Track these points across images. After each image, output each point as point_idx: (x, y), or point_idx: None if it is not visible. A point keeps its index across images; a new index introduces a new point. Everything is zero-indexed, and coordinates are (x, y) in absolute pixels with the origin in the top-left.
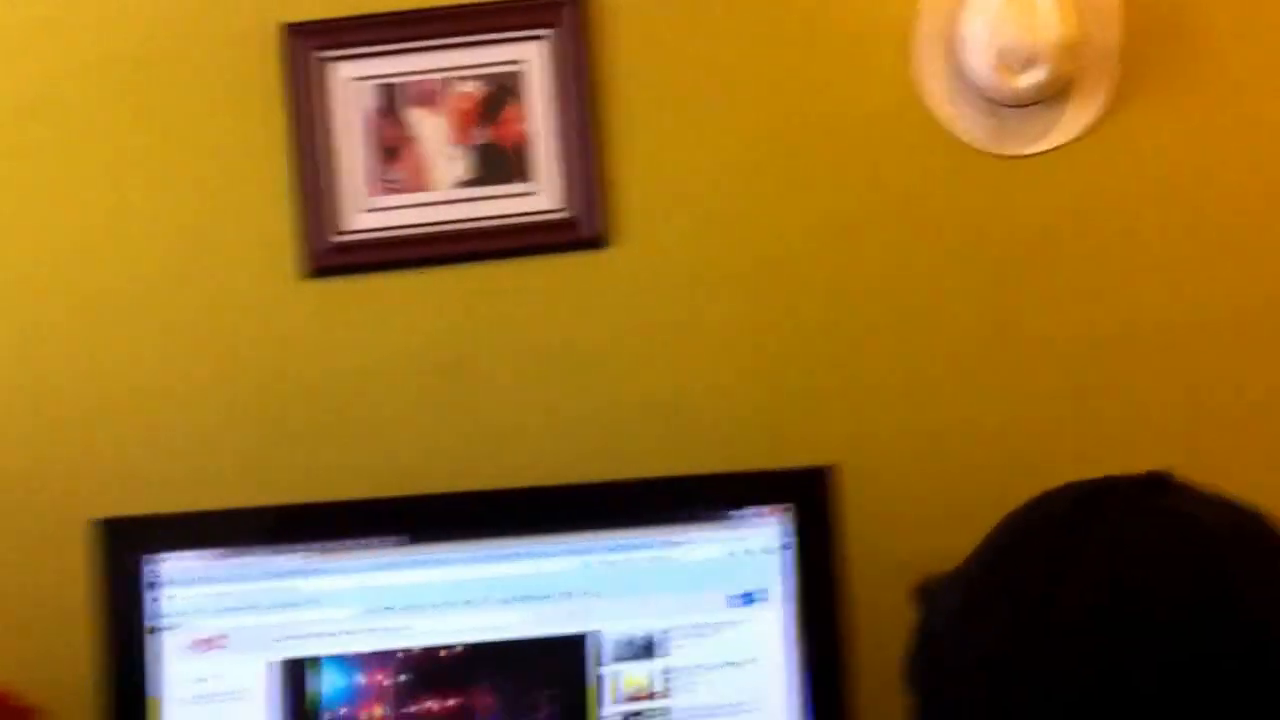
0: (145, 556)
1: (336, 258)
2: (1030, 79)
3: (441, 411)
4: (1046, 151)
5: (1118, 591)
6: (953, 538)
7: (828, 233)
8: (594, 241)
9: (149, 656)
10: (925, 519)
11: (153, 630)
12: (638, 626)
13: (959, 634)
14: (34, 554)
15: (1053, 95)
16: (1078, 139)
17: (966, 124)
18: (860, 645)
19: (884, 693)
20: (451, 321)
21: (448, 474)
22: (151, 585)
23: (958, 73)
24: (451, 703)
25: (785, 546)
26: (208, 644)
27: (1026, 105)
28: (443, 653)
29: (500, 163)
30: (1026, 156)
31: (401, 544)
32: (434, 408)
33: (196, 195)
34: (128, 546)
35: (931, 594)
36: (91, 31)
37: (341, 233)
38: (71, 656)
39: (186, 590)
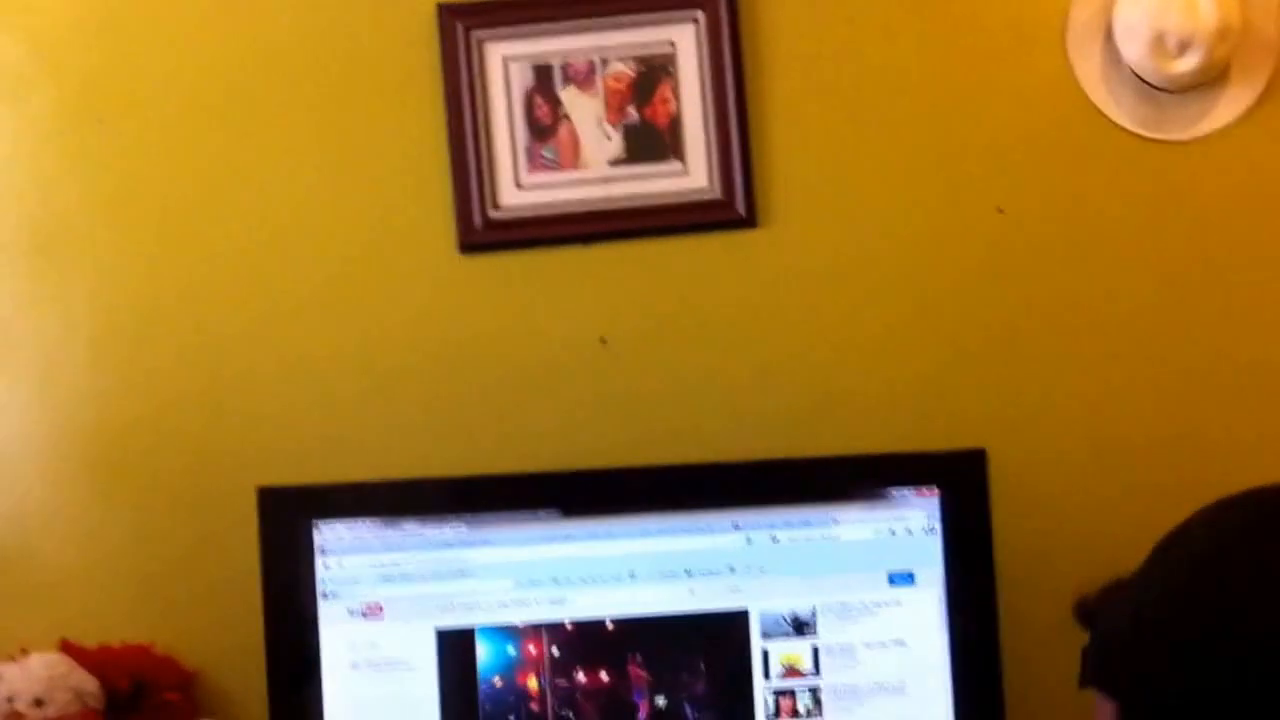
0: (313, 524)
1: (491, 234)
2: (1187, 64)
3: (594, 387)
4: (1203, 137)
5: None
6: (1099, 526)
7: (981, 217)
8: (744, 221)
9: (316, 623)
10: (1073, 506)
11: (320, 597)
12: (794, 604)
13: (1173, 642)
14: (203, 521)
15: (1209, 80)
16: (1234, 124)
17: (1122, 109)
18: (1010, 628)
19: (1033, 676)
20: (603, 298)
21: (599, 449)
22: (318, 553)
23: (1113, 57)
24: (606, 676)
25: (938, 528)
26: (370, 612)
27: (1183, 90)
28: (599, 626)
29: (652, 142)
30: (1183, 142)
31: (555, 518)
32: (586, 383)
33: (358, 174)
34: (294, 514)
35: (1112, 603)
36: (256, 21)
37: (497, 210)
38: (239, 622)
39: (349, 559)
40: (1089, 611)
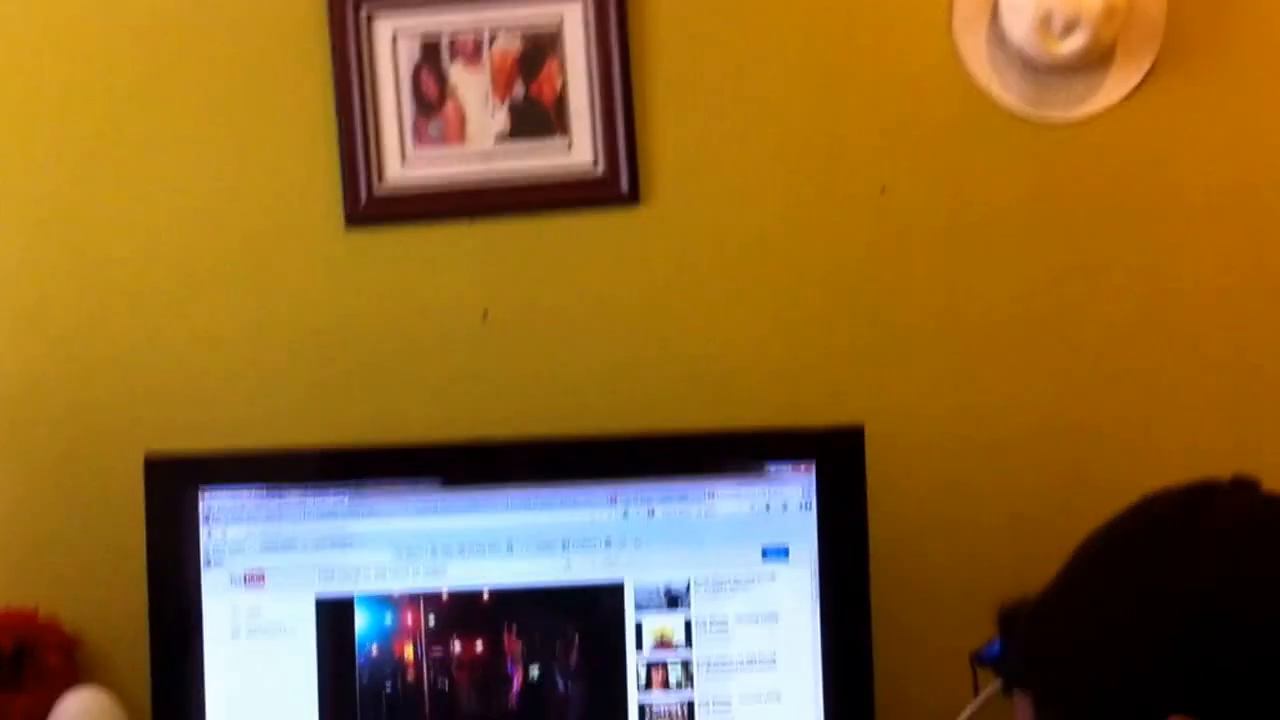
0: (198, 492)
1: (377, 209)
2: (1073, 44)
3: (476, 361)
4: (1088, 117)
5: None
6: (973, 508)
7: (862, 195)
8: (628, 198)
9: (199, 590)
10: (948, 487)
11: (203, 565)
12: (669, 577)
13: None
14: (87, 488)
15: (1095, 61)
16: (1120, 105)
17: (1006, 88)
18: (881, 605)
19: (903, 653)
20: (487, 273)
21: (482, 422)
22: (202, 521)
23: (999, 37)
24: (481, 646)
25: (813, 503)
26: (252, 579)
27: (1068, 71)
28: (475, 596)
29: (538, 118)
30: (1068, 122)
31: (436, 488)
32: (469, 357)
33: (243, 147)
34: (179, 482)
35: (1035, 609)
36: None
37: (382, 185)
38: (122, 589)
39: (232, 527)
40: (1007, 616)
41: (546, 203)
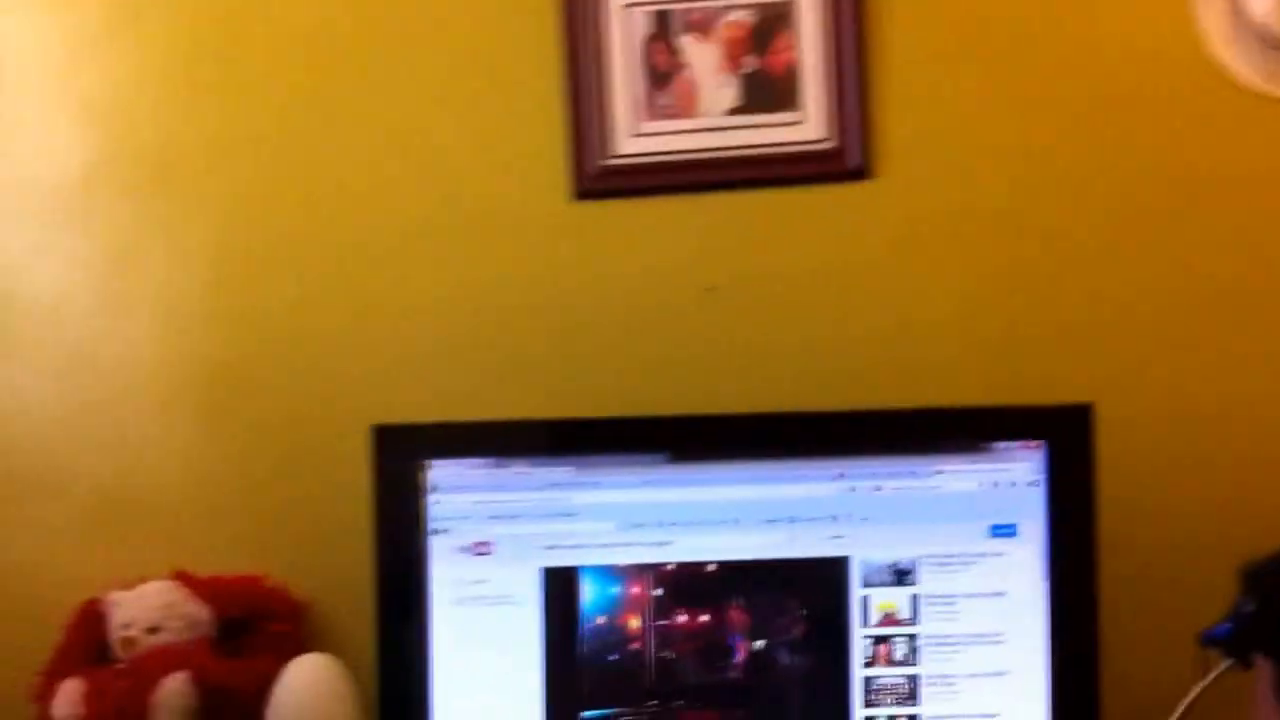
0: (425, 462)
1: (606, 181)
2: None
3: (702, 334)
4: None
5: None
6: (1204, 488)
7: (1096, 173)
8: (857, 173)
9: (425, 558)
10: (1177, 467)
11: (429, 534)
12: (895, 553)
13: None
14: (314, 456)
15: None
16: None
17: (1245, 63)
18: (1109, 584)
19: (1131, 631)
20: (714, 247)
21: (706, 396)
22: (428, 491)
23: (1238, 11)
24: (707, 618)
25: (1041, 481)
26: (478, 549)
27: None
28: (701, 569)
29: (768, 91)
30: None
31: (661, 462)
32: (695, 331)
33: (474, 120)
34: (406, 452)
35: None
36: None
37: (611, 157)
38: (348, 556)
39: (457, 497)
40: (1253, 574)
41: (776, 177)
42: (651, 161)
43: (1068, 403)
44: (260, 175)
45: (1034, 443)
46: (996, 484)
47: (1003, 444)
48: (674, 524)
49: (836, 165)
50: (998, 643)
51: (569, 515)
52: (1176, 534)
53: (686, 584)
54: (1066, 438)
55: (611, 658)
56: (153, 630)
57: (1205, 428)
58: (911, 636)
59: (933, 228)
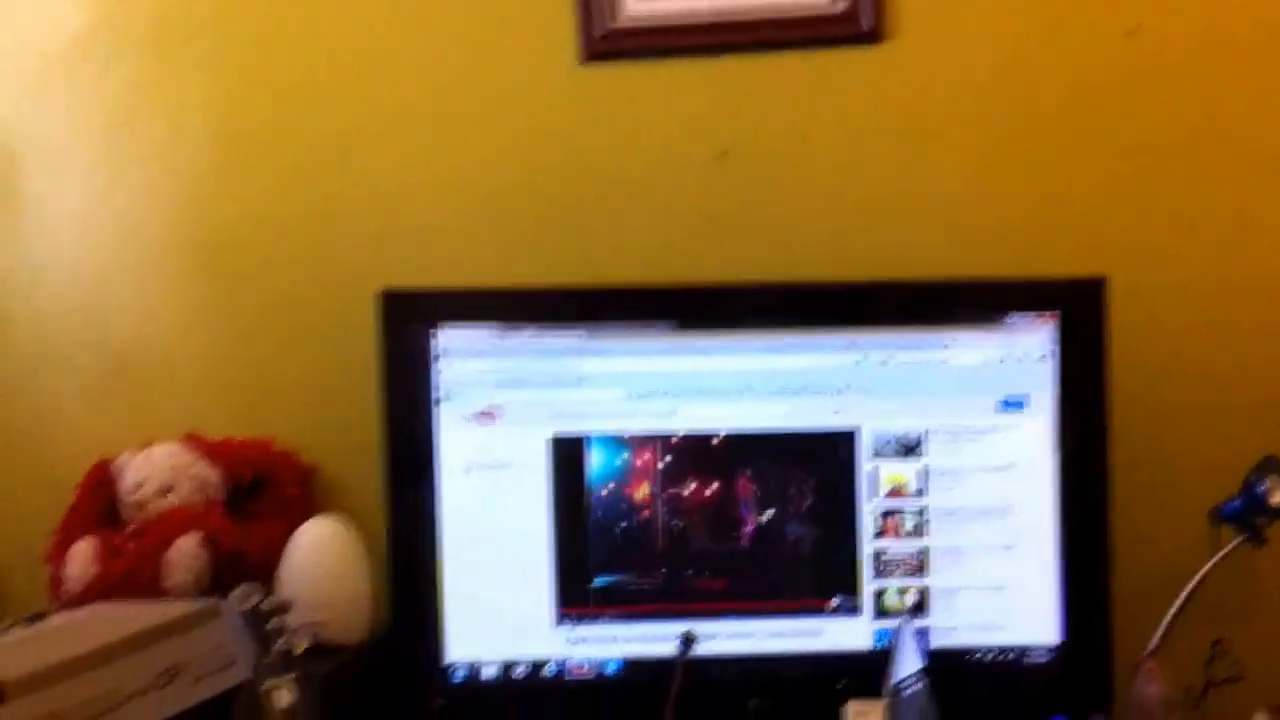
0: (433, 328)
1: (615, 44)
2: None
3: (711, 201)
4: None
5: None
6: (1216, 361)
7: (1116, 37)
8: (871, 35)
9: (433, 425)
10: (1191, 340)
11: (437, 400)
12: (904, 425)
13: None
14: (322, 321)
15: None
16: None
17: None
18: (1121, 458)
19: (1141, 504)
20: (724, 111)
21: (715, 264)
22: (436, 357)
23: None
24: (715, 489)
25: (1052, 355)
26: (485, 416)
27: None
28: (709, 439)
29: None
30: None
31: (670, 330)
32: (704, 197)
33: None
34: (414, 318)
35: None
36: None
37: (619, 19)
38: (356, 421)
39: (466, 363)
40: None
41: (786, 39)
42: (661, 24)
43: (1081, 275)
44: (263, 36)
45: (1046, 316)
46: (1007, 357)
47: (1014, 316)
48: (682, 393)
49: (850, 28)
50: (1006, 516)
51: (577, 383)
52: (1188, 409)
53: (695, 454)
54: (1079, 311)
55: (621, 526)
56: (163, 492)
57: (1219, 301)
58: (920, 509)
59: (947, 94)
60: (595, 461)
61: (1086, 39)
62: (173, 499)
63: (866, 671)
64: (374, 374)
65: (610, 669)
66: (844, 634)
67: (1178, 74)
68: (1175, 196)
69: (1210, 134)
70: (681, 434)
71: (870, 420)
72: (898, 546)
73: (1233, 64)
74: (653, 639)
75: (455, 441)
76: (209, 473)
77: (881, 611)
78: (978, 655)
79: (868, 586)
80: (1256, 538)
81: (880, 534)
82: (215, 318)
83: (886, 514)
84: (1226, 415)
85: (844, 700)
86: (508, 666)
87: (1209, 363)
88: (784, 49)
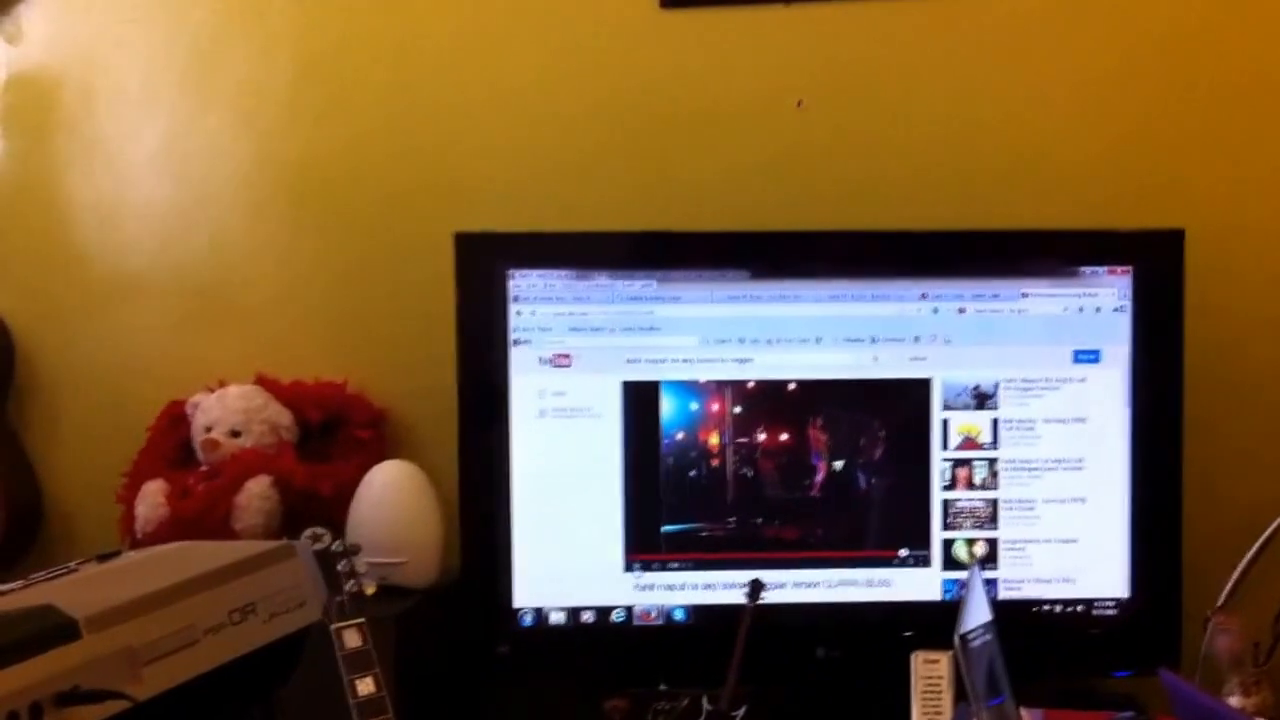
0: (508, 272)
1: None
2: None
3: (788, 148)
4: None
5: None
6: None
7: None
8: None
9: (508, 368)
10: (1267, 293)
11: (516, 342)
12: (977, 375)
13: None
14: (396, 262)
15: None
16: None
17: None
18: (1194, 411)
19: (1215, 457)
20: (803, 60)
21: (791, 211)
22: (514, 298)
23: None
24: (786, 436)
25: (1128, 307)
26: (559, 360)
27: None
28: (782, 387)
29: None
30: None
31: (743, 278)
32: (782, 145)
33: None
34: (489, 261)
35: None
36: None
37: None
38: (429, 364)
39: (541, 307)
40: None
41: None
42: None
43: (1157, 227)
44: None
45: (1122, 268)
46: (1082, 309)
47: (1090, 268)
48: (755, 341)
49: None
50: (1078, 469)
51: (650, 329)
52: (1264, 363)
53: (767, 401)
54: (1156, 263)
55: (691, 474)
56: (235, 433)
57: None
58: (992, 460)
59: (1021, 44)
60: (668, 408)
61: None
62: (245, 440)
63: (935, 622)
64: (447, 317)
65: (678, 616)
66: (913, 584)
67: (1258, 21)
68: (1255, 148)
69: None
70: (754, 381)
71: (943, 370)
72: (968, 497)
73: None
74: (721, 586)
75: (529, 386)
76: (280, 415)
77: (951, 562)
78: (1046, 607)
79: (937, 537)
80: None
81: (951, 485)
82: (290, 259)
83: (958, 464)
84: None
85: (912, 650)
86: (575, 612)
87: None
88: None
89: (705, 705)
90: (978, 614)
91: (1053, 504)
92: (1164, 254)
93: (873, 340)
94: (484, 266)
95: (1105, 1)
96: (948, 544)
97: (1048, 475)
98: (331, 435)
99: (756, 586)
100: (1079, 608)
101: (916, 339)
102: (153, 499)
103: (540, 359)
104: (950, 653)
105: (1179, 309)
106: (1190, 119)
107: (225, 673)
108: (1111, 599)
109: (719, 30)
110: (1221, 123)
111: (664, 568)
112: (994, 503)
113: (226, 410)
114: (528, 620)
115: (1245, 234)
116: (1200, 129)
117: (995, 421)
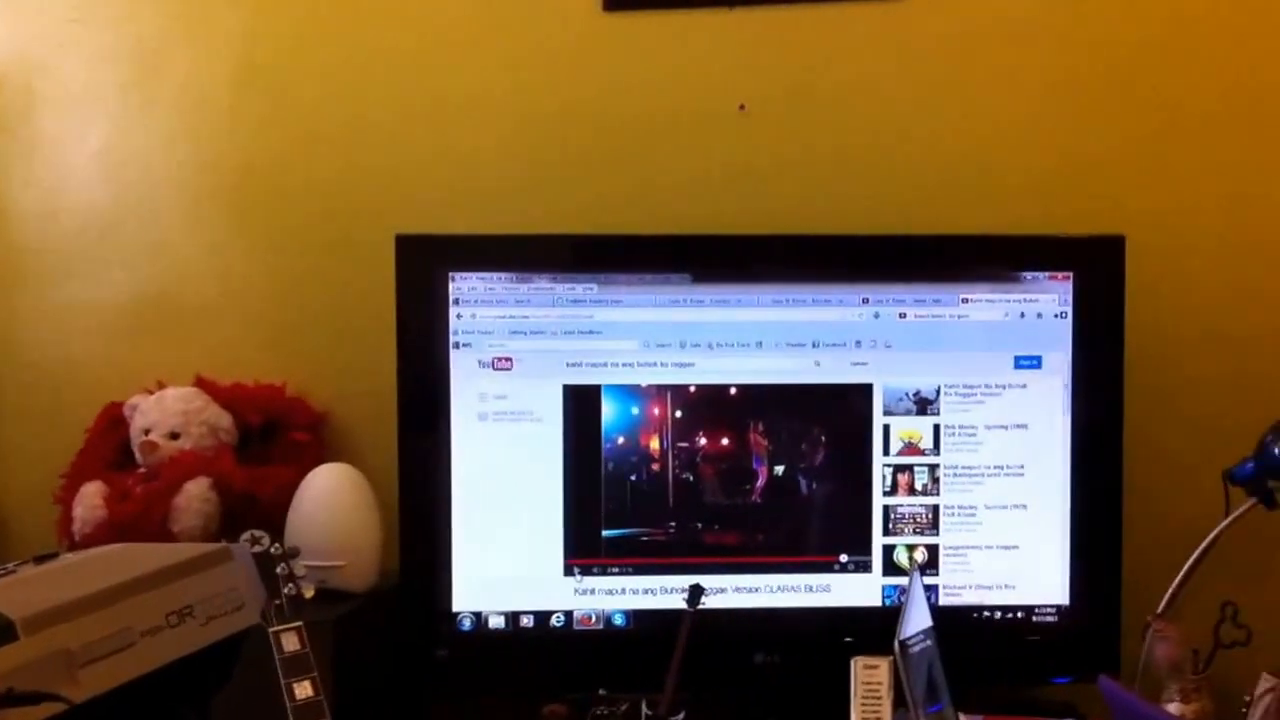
0: (449, 274)
1: None
2: None
3: (730, 153)
4: None
5: None
6: (1235, 315)
7: None
8: None
9: (449, 371)
10: (1207, 293)
11: (455, 345)
12: (918, 381)
13: None
14: (337, 265)
15: None
16: None
17: None
18: (1135, 418)
19: (1154, 464)
20: (745, 63)
21: (733, 215)
22: (455, 301)
23: None
24: (727, 441)
25: (1068, 313)
26: (500, 363)
27: None
28: (723, 391)
29: None
30: None
31: (685, 282)
32: (723, 149)
33: None
34: (430, 264)
35: None
36: None
37: None
38: (369, 367)
39: (482, 310)
40: None
41: None
42: None
43: (1098, 234)
44: None
45: (1063, 274)
46: (1023, 314)
47: (1031, 274)
48: (697, 345)
49: None
50: (1019, 475)
51: (591, 333)
52: (1203, 371)
53: (708, 406)
54: (1096, 269)
55: (632, 478)
56: (173, 436)
57: (1236, 263)
58: (933, 466)
59: (965, 51)
60: (609, 412)
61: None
62: (183, 443)
63: (875, 627)
64: (387, 321)
65: (618, 621)
66: (853, 590)
67: (1202, 33)
68: (1195, 157)
69: (1233, 94)
70: (695, 386)
71: (885, 375)
72: (909, 503)
73: (1259, 22)
74: (661, 591)
75: (470, 389)
76: (219, 417)
77: (891, 568)
78: (986, 614)
79: (878, 543)
80: (1269, 501)
81: (892, 490)
82: (230, 262)
83: (899, 470)
84: (1242, 378)
85: (852, 656)
86: (515, 617)
87: (1225, 324)
88: (803, 2)
89: (645, 710)
90: (918, 620)
91: (994, 510)
92: (1104, 260)
93: (814, 345)
94: (425, 269)
95: (1047, 14)
96: (888, 549)
97: (989, 481)
98: (271, 438)
99: (696, 591)
100: (1019, 614)
101: (858, 344)
102: (91, 501)
103: (481, 362)
104: (890, 658)
105: (1119, 315)
106: (1131, 130)
107: (162, 675)
108: (1051, 605)
109: (662, 34)
110: (1161, 134)
111: (604, 572)
112: (935, 508)
113: (165, 412)
114: (467, 624)
115: (1184, 247)
116: (1140, 140)
117: (936, 427)
